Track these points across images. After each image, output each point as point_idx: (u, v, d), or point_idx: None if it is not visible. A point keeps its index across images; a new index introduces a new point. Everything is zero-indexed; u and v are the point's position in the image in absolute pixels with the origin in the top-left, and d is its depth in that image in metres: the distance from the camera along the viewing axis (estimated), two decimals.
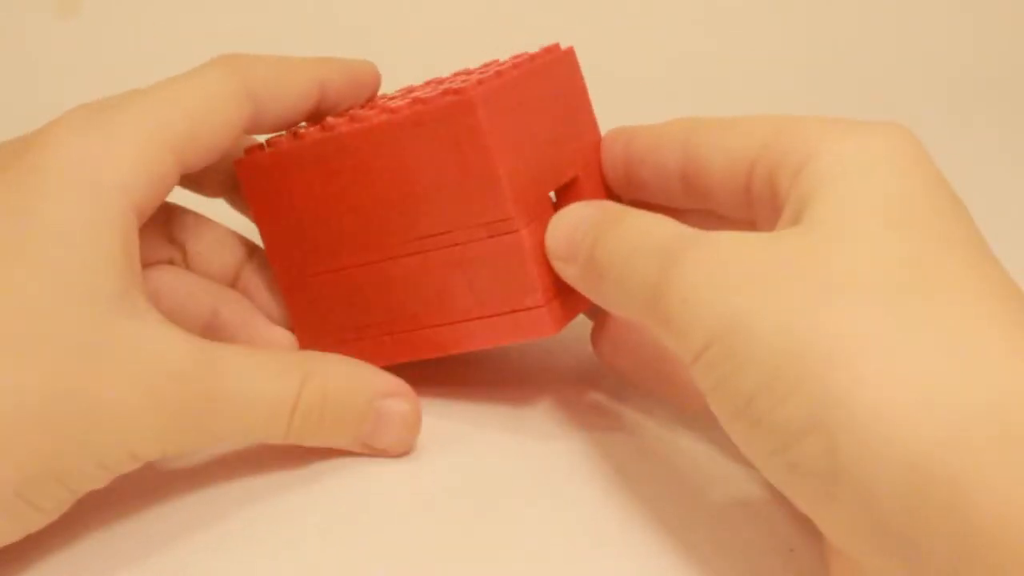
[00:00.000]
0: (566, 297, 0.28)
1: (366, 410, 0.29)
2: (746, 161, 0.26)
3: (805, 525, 0.27)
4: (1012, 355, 0.20)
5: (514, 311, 0.28)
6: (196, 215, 0.33)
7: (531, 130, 0.28)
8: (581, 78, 0.30)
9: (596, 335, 0.31)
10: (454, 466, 0.29)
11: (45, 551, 0.26)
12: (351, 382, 0.29)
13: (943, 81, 0.69)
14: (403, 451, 0.29)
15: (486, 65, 0.30)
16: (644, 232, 0.25)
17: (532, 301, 0.27)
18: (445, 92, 0.27)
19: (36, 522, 0.25)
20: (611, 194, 0.31)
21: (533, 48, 0.31)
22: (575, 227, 0.27)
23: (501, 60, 0.31)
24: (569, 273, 0.27)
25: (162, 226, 0.32)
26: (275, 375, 0.27)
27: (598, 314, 0.31)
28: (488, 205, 0.27)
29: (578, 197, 0.29)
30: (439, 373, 0.32)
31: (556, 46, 0.29)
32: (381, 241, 0.29)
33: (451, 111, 0.26)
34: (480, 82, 0.27)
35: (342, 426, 0.28)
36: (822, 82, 0.67)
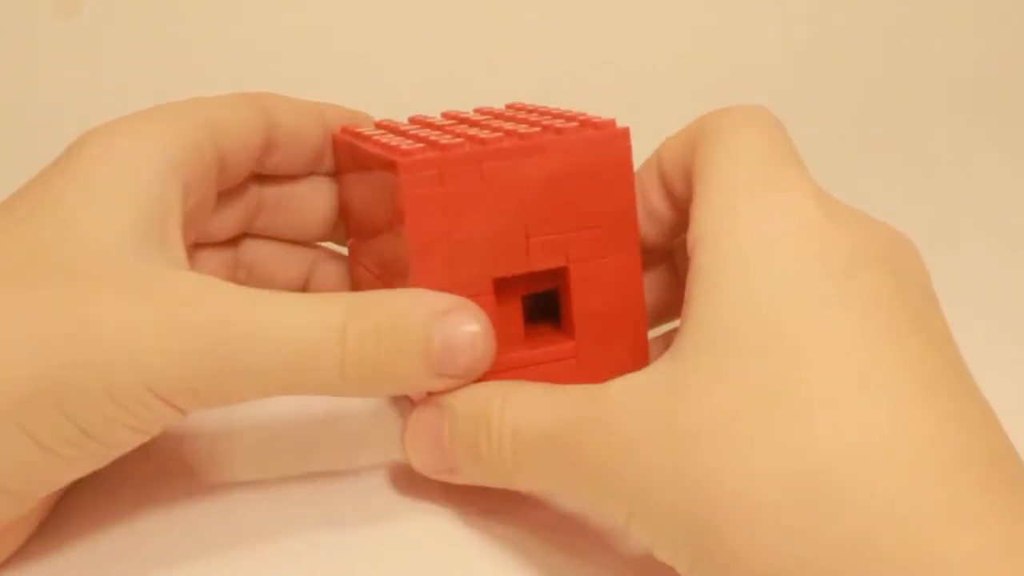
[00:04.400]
0: None
1: (428, 330, 0.25)
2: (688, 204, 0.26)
3: None
4: (889, 466, 0.19)
5: None
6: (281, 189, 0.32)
7: (489, 205, 0.26)
8: (624, 163, 0.27)
9: None
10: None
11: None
12: (404, 301, 0.25)
13: (944, 81, 0.69)
14: (479, 373, 0.26)
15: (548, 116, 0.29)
16: (526, 418, 0.24)
17: None
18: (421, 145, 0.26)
19: (49, 472, 0.23)
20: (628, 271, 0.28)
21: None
22: (436, 436, 0.26)
23: (572, 113, 0.29)
24: (459, 479, 0.26)
25: (248, 201, 0.31)
26: (318, 305, 0.24)
27: None
28: (401, 257, 0.27)
29: (568, 287, 0.27)
30: None
31: (611, 123, 0.27)
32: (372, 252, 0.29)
33: (388, 168, 0.26)
34: (425, 149, 0.26)
35: (406, 353, 0.25)
36: (822, 82, 0.67)
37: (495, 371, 0.26)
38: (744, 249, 0.23)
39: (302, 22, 0.69)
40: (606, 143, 0.27)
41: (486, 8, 0.71)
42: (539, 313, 0.29)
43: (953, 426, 0.20)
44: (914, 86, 0.68)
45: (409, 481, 0.29)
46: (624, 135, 0.27)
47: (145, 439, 0.24)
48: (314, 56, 0.67)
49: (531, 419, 0.24)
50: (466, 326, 0.25)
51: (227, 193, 0.30)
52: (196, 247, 0.30)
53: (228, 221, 0.31)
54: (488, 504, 0.28)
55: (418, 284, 0.26)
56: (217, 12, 0.68)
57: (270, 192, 0.31)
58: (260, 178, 0.31)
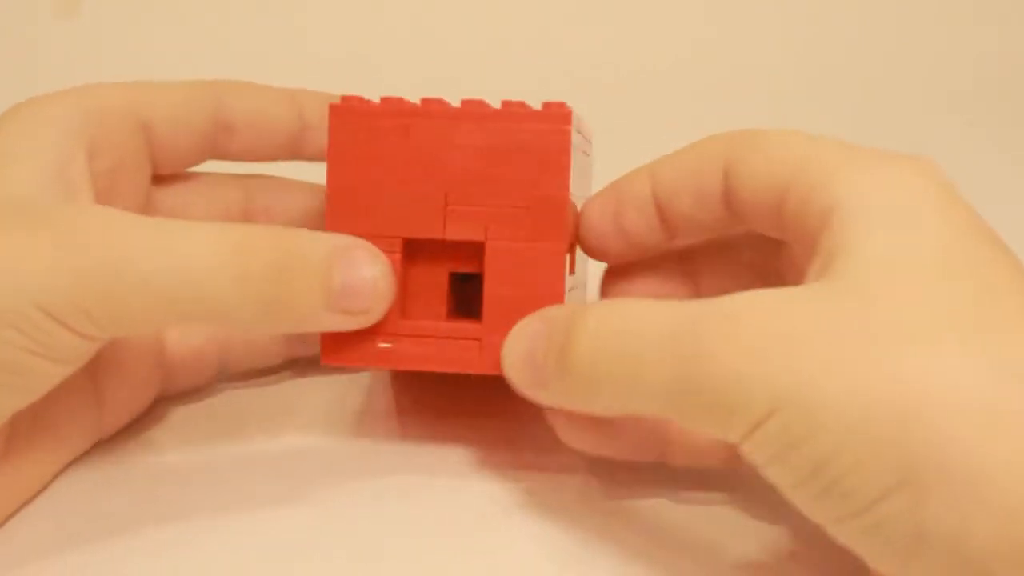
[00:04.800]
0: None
1: (328, 262, 0.25)
2: (778, 189, 0.25)
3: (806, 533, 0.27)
4: None
5: None
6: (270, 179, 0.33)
7: (409, 164, 0.27)
8: (561, 147, 0.26)
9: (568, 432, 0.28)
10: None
11: None
12: (306, 235, 0.26)
13: (944, 81, 0.69)
14: (377, 315, 0.26)
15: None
16: (636, 320, 0.23)
17: None
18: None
19: None
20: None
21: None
22: (532, 348, 0.25)
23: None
24: (545, 397, 0.25)
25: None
26: (216, 227, 0.25)
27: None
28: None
29: (483, 266, 0.27)
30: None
31: (557, 106, 0.27)
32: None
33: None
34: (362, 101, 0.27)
35: (305, 281, 0.25)
36: (822, 82, 0.67)
37: (395, 334, 0.27)
38: (898, 200, 0.23)
39: (303, 22, 0.69)
40: (544, 123, 0.26)
41: (487, 9, 0.71)
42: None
43: None
44: (914, 86, 0.68)
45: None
46: (564, 118, 0.26)
47: (61, 370, 0.24)
48: (315, 56, 0.67)
49: (641, 317, 0.23)
50: (366, 265, 0.26)
51: (199, 180, 0.31)
52: None
53: (203, 211, 0.31)
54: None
55: (330, 230, 0.27)
56: (217, 12, 0.68)
57: (249, 185, 0.32)
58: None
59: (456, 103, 0.27)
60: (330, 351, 0.27)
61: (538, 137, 0.26)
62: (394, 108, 0.27)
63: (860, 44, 0.71)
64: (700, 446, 0.27)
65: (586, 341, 0.23)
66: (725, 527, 0.27)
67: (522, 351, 0.25)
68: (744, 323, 0.21)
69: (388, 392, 0.34)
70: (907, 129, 0.63)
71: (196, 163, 0.31)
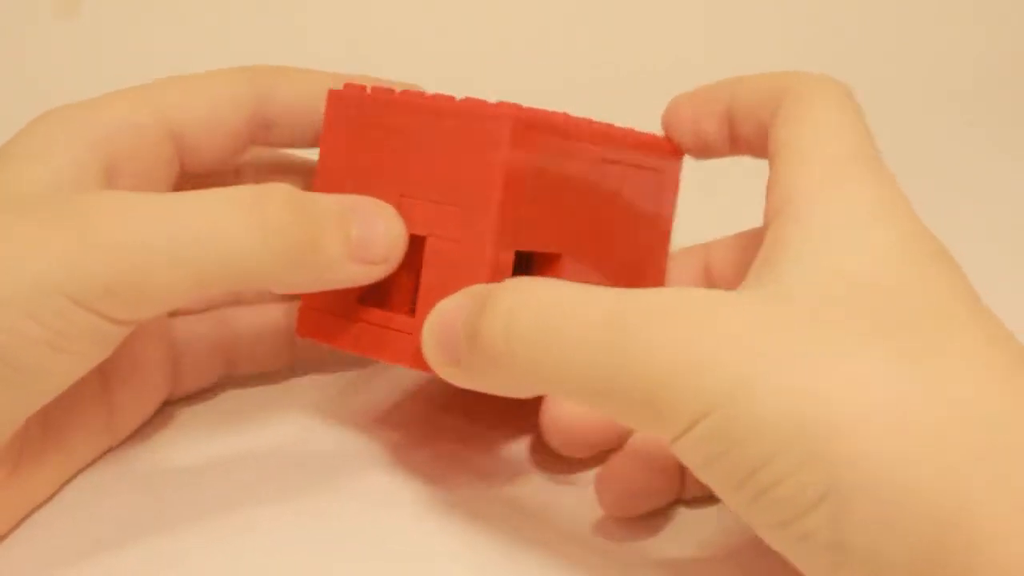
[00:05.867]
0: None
1: (343, 212, 0.26)
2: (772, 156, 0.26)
3: None
4: (1016, 405, 0.19)
5: None
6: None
7: (375, 153, 0.28)
8: (495, 147, 0.25)
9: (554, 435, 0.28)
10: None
11: None
12: (315, 194, 0.26)
13: (944, 81, 0.69)
14: (395, 262, 0.27)
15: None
16: (564, 307, 0.22)
17: None
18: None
19: None
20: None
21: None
22: (448, 323, 0.24)
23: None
24: (456, 375, 0.25)
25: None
26: (231, 190, 0.25)
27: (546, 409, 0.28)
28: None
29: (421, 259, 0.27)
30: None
31: (505, 107, 0.26)
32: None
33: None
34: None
35: (325, 229, 0.25)
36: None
37: (343, 316, 0.27)
38: (848, 207, 0.23)
39: (303, 22, 0.69)
40: (482, 122, 0.26)
41: (488, 11, 0.71)
42: None
43: None
44: (914, 86, 0.68)
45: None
46: (502, 121, 0.25)
47: (86, 361, 0.24)
48: (315, 56, 0.67)
49: (567, 299, 0.22)
50: (379, 216, 0.26)
51: (226, 175, 0.31)
52: None
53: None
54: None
55: None
56: (217, 12, 0.68)
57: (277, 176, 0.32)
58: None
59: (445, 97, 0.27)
60: (305, 326, 0.28)
61: (476, 138, 0.26)
62: (375, 97, 0.27)
63: (860, 44, 0.71)
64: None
65: (500, 317, 0.23)
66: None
67: (438, 326, 0.25)
68: (679, 319, 0.21)
69: (393, 394, 0.33)
70: (907, 129, 0.63)
71: (230, 160, 0.30)
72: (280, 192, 0.25)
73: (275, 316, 0.33)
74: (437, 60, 0.69)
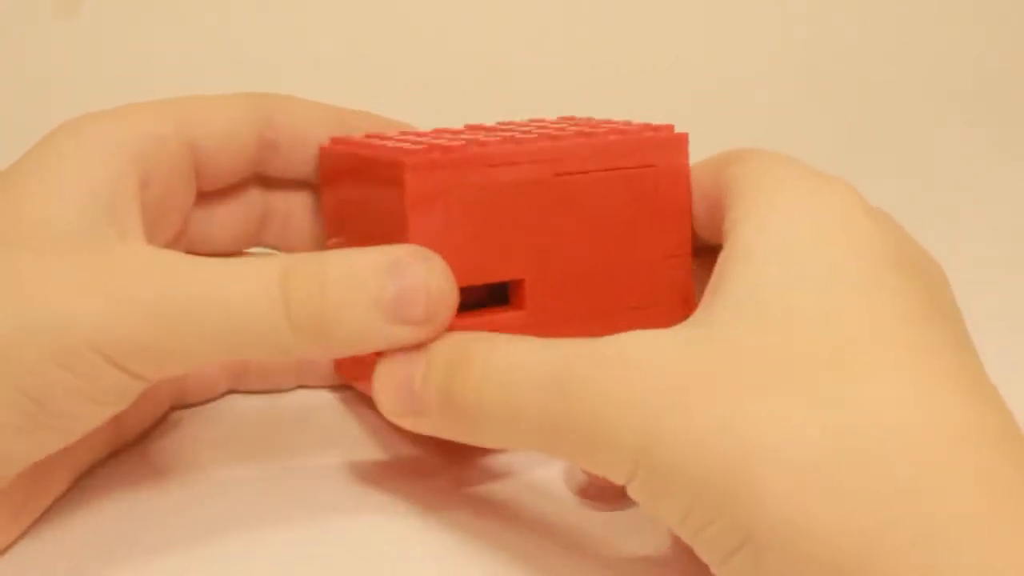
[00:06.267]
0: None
1: (378, 276, 0.24)
2: (716, 209, 0.26)
3: None
4: (934, 439, 0.19)
5: None
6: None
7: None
8: (397, 196, 0.26)
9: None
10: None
11: None
12: (351, 255, 0.25)
13: (944, 81, 0.69)
14: (443, 321, 0.25)
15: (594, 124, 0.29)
16: (518, 371, 0.23)
17: None
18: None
19: (9, 445, 0.23)
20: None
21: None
22: (408, 376, 0.25)
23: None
24: (422, 424, 0.25)
25: (251, 206, 0.31)
26: (259, 260, 0.24)
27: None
28: None
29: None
30: None
31: (399, 156, 0.26)
32: None
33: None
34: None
35: (355, 300, 0.24)
36: (822, 82, 0.67)
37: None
38: (788, 233, 0.23)
39: (303, 22, 0.69)
40: (390, 169, 0.26)
41: (488, 11, 0.71)
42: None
43: (983, 409, 0.20)
44: (914, 86, 0.68)
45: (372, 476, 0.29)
46: (398, 168, 0.25)
47: (110, 410, 0.24)
48: (315, 56, 0.67)
49: (523, 360, 0.23)
50: (419, 268, 0.24)
51: (227, 194, 0.30)
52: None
53: (230, 225, 0.31)
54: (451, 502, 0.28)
55: None
56: (218, 12, 0.68)
57: (279, 201, 0.31)
58: (267, 185, 0.31)
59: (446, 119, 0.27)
60: (340, 367, 0.29)
61: (389, 182, 0.26)
62: (333, 150, 0.28)
63: (860, 44, 0.71)
64: None
65: (473, 379, 0.23)
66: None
67: (398, 381, 0.25)
68: (611, 371, 0.22)
69: None
70: (907, 129, 0.63)
71: (238, 180, 0.30)
72: (309, 262, 0.24)
73: None
74: (438, 60, 0.69)
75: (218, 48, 0.66)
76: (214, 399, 0.33)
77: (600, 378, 0.22)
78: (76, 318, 0.22)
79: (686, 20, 0.71)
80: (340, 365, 0.28)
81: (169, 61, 0.64)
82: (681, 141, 0.28)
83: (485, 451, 0.30)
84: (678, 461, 0.20)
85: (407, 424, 0.25)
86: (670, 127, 0.28)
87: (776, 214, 0.23)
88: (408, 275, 0.24)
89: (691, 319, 0.23)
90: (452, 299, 0.25)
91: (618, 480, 0.22)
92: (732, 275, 0.23)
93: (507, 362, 0.23)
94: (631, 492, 0.22)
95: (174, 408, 0.32)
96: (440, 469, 0.30)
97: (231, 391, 0.33)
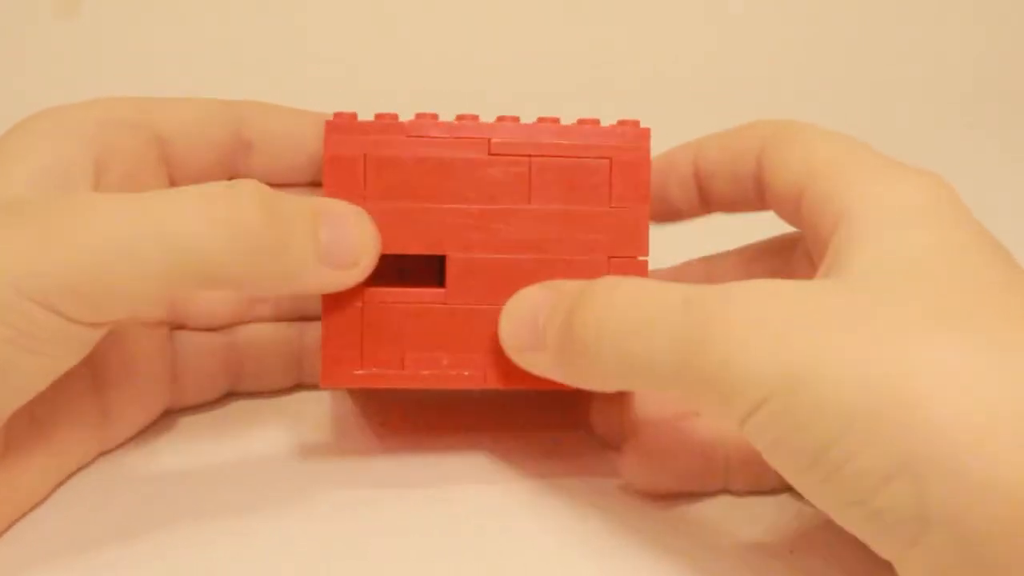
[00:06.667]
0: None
1: (313, 217, 0.26)
2: (798, 187, 0.26)
3: (804, 527, 0.27)
4: None
5: None
6: None
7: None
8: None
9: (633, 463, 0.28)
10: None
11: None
12: (285, 194, 0.26)
13: (944, 81, 0.69)
14: (367, 267, 0.27)
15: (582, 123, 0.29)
16: (647, 297, 0.23)
17: None
18: None
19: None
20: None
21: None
22: (534, 313, 0.26)
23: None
24: (539, 361, 0.26)
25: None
26: (198, 186, 0.24)
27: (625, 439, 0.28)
28: None
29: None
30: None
31: (633, 124, 0.28)
32: None
33: None
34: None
35: (294, 229, 0.25)
36: (822, 82, 0.67)
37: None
38: (903, 216, 0.24)
39: (303, 23, 0.69)
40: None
41: (489, 11, 0.71)
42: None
43: None
44: (914, 86, 0.68)
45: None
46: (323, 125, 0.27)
47: (53, 363, 0.24)
48: (315, 56, 0.67)
49: (652, 288, 0.24)
50: (348, 218, 0.26)
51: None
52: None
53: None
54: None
55: None
56: (217, 12, 0.68)
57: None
58: None
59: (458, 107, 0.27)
60: (328, 375, 0.28)
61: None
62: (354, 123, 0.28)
63: (860, 44, 0.71)
64: (760, 472, 0.27)
65: (594, 312, 0.24)
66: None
67: (524, 314, 0.26)
68: (745, 306, 0.22)
69: (398, 407, 0.33)
70: (907, 129, 0.63)
71: (213, 178, 0.30)
72: (250, 189, 0.24)
73: (283, 336, 0.32)
74: (438, 61, 0.69)
75: (218, 48, 0.66)
76: (212, 400, 0.32)
77: (738, 307, 0.22)
78: (1, 264, 0.22)
79: (686, 20, 0.71)
80: (327, 375, 0.28)
81: (169, 61, 0.64)
82: (642, 137, 0.28)
83: (483, 450, 0.30)
84: (829, 391, 0.20)
85: (524, 361, 0.26)
86: (636, 122, 0.28)
87: (885, 193, 0.24)
88: (341, 222, 0.26)
89: (823, 275, 0.23)
90: (376, 249, 0.27)
91: (733, 415, 0.22)
92: (860, 237, 0.23)
93: (635, 289, 0.24)
94: (749, 428, 0.21)
95: (170, 410, 0.32)
96: (438, 468, 0.30)
97: (229, 392, 0.33)
